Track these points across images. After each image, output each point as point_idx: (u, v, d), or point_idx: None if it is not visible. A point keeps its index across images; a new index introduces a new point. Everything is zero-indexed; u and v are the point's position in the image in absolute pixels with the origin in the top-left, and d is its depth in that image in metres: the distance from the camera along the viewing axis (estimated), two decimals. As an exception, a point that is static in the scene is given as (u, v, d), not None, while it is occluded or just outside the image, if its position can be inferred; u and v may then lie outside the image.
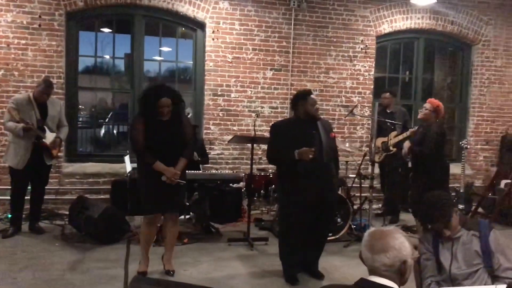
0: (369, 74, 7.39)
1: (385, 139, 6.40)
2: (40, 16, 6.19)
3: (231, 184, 5.94)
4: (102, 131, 9.51)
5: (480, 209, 6.81)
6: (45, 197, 5.76)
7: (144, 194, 4.18)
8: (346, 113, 6.86)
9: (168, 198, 4.14)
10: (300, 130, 4.15)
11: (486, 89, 7.96)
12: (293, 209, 4.18)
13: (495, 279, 2.64)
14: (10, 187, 5.51)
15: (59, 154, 6.33)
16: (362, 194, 6.15)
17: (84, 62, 7.80)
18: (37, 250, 4.88)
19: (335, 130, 5.65)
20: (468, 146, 7.23)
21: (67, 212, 5.68)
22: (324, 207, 4.22)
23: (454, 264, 2.74)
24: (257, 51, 6.94)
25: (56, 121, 5.48)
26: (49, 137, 5.35)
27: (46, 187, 5.64)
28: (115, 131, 8.56)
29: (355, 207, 5.98)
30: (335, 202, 4.58)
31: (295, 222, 4.20)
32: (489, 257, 2.67)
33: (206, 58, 6.81)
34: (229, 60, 6.85)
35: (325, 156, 4.14)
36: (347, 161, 6.39)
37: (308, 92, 4.36)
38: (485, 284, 2.63)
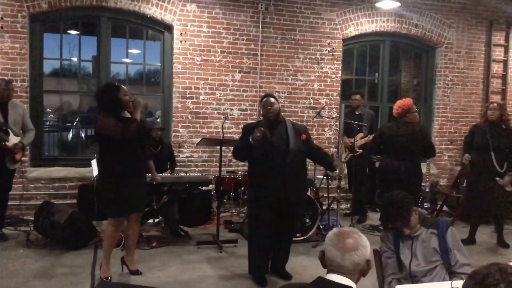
0: (336, 76, 7.50)
1: (351, 140, 6.51)
2: (2, 18, 6.05)
3: (200, 187, 5.93)
4: (70, 134, 9.33)
5: (445, 208, 6.99)
6: (9, 202, 5.62)
7: (110, 197, 4.11)
8: (314, 115, 6.94)
9: (134, 200, 4.13)
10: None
11: (450, 91, 8.18)
12: (257, 208, 4.26)
13: (452, 275, 2.73)
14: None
15: (24, 158, 6.21)
16: (330, 194, 6.24)
17: (51, 64, 7.64)
18: (1, 257, 4.76)
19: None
20: (433, 146, 7.41)
21: (32, 218, 5.56)
22: (287, 207, 4.27)
23: (413, 262, 2.82)
24: (225, 54, 6.96)
25: (19, 124, 5.35)
26: (13, 140, 5.22)
27: (10, 192, 5.51)
28: (82, 135, 8.41)
29: (323, 207, 6.06)
30: (300, 203, 4.61)
31: (260, 221, 4.26)
32: (446, 253, 2.77)
33: (174, 60, 6.79)
34: (198, 62, 6.84)
35: (291, 157, 4.19)
36: (315, 162, 6.44)
37: (266, 95, 4.46)
38: (443, 280, 2.71)
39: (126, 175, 4.04)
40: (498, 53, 8.37)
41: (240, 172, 6.48)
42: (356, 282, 1.85)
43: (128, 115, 4.11)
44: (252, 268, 4.40)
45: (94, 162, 5.82)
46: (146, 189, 4.39)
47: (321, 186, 6.32)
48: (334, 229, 1.98)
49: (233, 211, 6.68)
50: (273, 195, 4.15)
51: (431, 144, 5.47)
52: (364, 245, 1.87)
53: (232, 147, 6.48)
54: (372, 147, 5.89)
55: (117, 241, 4.46)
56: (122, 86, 4.14)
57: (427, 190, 7.06)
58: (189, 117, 6.88)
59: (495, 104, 5.55)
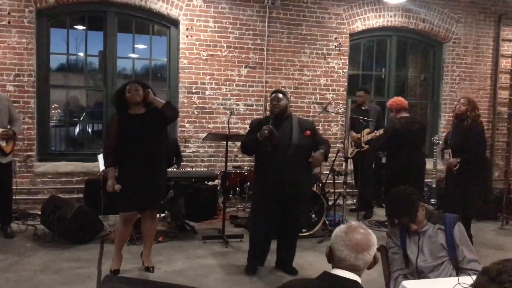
0: (343, 72, 7.47)
1: (358, 135, 6.49)
2: (9, 13, 6.06)
3: (206, 182, 5.94)
4: (76, 129, 9.37)
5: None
6: (17, 197, 5.65)
7: (121, 191, 4.14)
8: (320, 110, 6.92)
9: (146, 195, 4.13)
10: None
11: (457, 86, 8.12)
12: (259, 201, 4.36)
13: (459, 271, 2.72)
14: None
15: (30, 153, 6.25)
16: (336, 190, 6.22)
17: (58, 59, 7.66)
18: (8, 251, 4.80)
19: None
20: (440, 142, 7.36)
21: (39, 212, 5.59)
22: (288, 201, 4.29)
23: (420, 257, 2.81)
24: (231, 49, 6.94)
25: (5, 116, 5.14)
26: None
27: (16, 187, 5.50)
28: (89, 130, 8.44)
29: (329, 203, 6.05)
30: (301, 197, 4.49)
31: (260, 214, 4.34)
32: (453, 249, 2.75)
33: (180, 55, 6.79)
34: (204, 57, 6.83)
35: (291, 151, 4.20)
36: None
37: (275, 91, 4.50)
38: (450, 276, 2.70)
39: (135, 171, 4.07)
40: (506, 48, 8.29)
41: (246, 167, 6.48)
42: (360, 275, 1.85)
43: (142, 111, 4.15)
44: (248, 257, 4.49)
45: (100, 157, 5.83)
46: (162, 187, 4.40)
47: (327, 181, 6.31)
48: (341, 226, 1.95)
49: (239, 206, 6.68)
50: (273, 189, 4.22)
51: None
52: (373, 242, 1.88)
53: (238, 142, 6.52)
54: (383, 145, 5.98)
55: (128, 236, 4.49)
56: (130, 83, 4.21)
57: (434, 186, 7.01)
58: (195, 112, 6.88)
59: (464, 100, 5.42)
